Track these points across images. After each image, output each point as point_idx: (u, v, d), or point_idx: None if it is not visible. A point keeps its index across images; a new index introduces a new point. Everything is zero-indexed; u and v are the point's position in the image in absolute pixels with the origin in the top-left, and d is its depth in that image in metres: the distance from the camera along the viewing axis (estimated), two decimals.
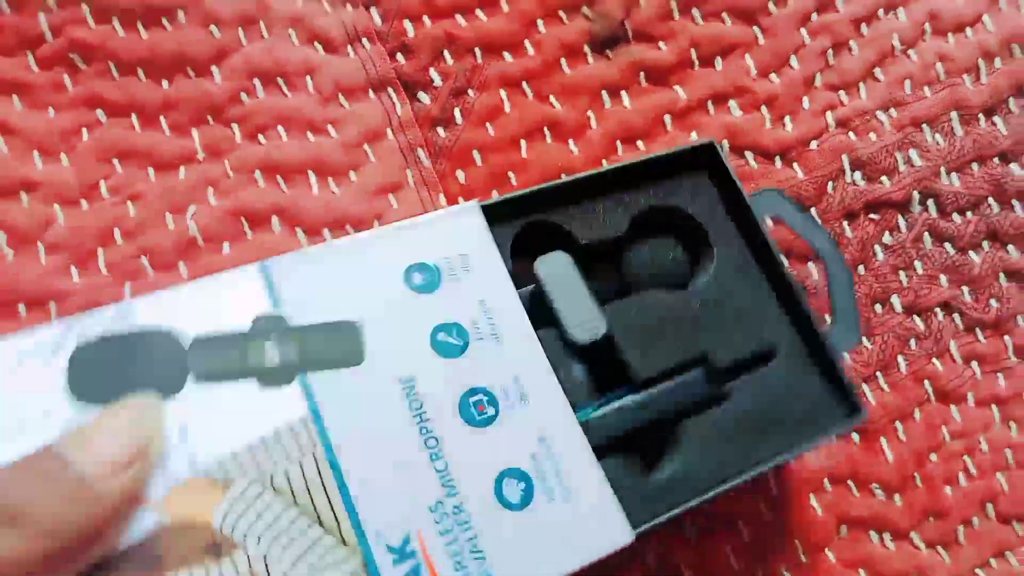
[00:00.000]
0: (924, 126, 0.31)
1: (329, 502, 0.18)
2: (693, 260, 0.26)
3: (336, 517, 0.18)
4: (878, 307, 0.30)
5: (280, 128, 0.28)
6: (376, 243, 0.22)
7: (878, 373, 0.29)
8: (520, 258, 0.24)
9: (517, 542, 0.19)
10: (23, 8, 0.27)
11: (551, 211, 0.24)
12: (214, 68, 0.28)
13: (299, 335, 0.20)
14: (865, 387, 0.29)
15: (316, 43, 0.29)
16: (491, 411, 0.20)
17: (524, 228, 0.24)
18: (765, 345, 0.25)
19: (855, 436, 0.29)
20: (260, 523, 0.18)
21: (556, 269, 0.23)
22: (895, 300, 0.30)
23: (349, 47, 0.29)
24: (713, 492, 0.22)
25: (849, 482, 0.28)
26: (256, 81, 0.28)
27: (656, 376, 0.24)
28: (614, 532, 0.20)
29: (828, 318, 0.29)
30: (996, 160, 0.32)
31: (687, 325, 0.24)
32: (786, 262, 0.26)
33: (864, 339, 0.30)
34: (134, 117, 0.27)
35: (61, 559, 0.15)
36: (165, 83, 0.28)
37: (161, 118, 0.28)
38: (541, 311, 0.23)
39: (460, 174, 0.29)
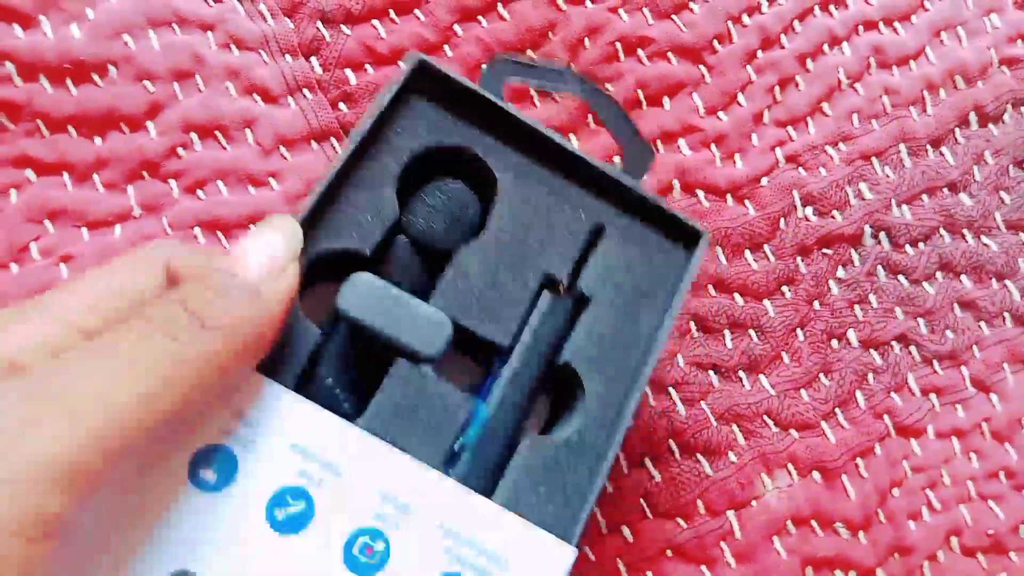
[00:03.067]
0: (873, 159, 0.32)
1: None
2: (482, 192, 0.24)
3: None
4: (835, 343, 0.30)
5: (219, 182, 0.27)
6: None
7: (837, 409, 0.29)
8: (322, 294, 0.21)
9: None
10: None
11: (333, 239, 0.21)
12: (149, 123, 0.27)
13: None
14: (824, 424, 0.29)
15: (255, 95, 0.28)
16: (380, 545, 0.19)
17: (309, 271, 0.21)
18: (590, 229, 0.24)
19: (816, 475, 0.28)
20: None
21: (362, 296, 0.20)
22: (851, 334, 0.30)
23: (289, 98, 0.28)
24: (634, 400, 0.22)
25: (812, 522, 0.28)
26: (193, 135, 0.27)
27: (518, 330, 0.22)
28: (556, 558, 0.19)
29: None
30: (945, 191, 0.32)
31: (514, 263, 0.23)
32: (555, 135, 0.23)
33: (822, 376, 0.29)
34: (66, 176, 0.27)
35: (243, 357, 0.17)
36: (98, 140, 0.27)
37: (94, 176, 0.27)
38: (371, 347, 0.20)
39: None
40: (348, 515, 0.18)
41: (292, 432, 0.19)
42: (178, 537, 0.17)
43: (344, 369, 0.21)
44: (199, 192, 0.27)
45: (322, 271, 0.21)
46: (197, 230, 0.27)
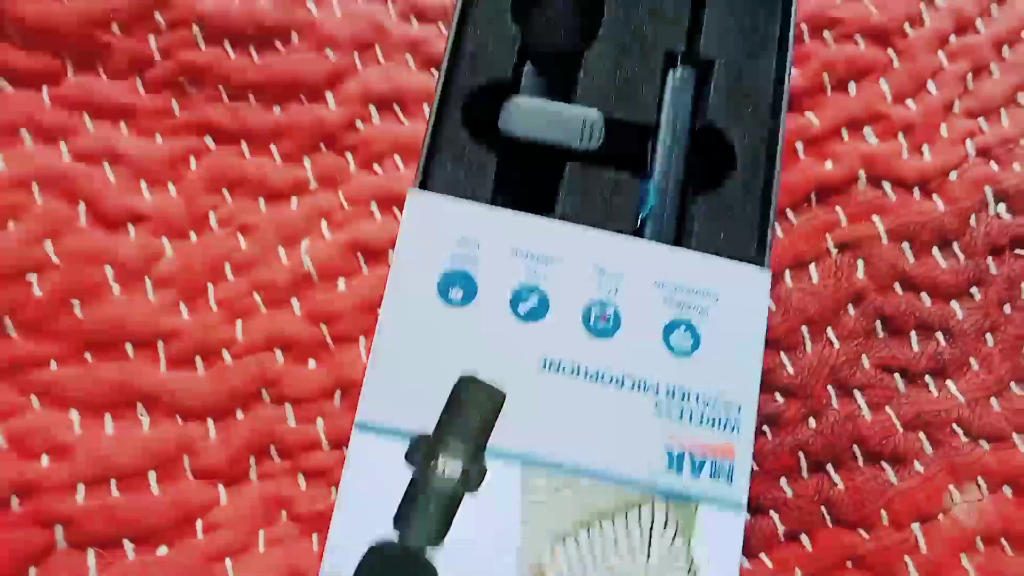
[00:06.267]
0: None
1: None
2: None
3: None
4: None
5: (397, 157, 0.26)
6: None
7: None
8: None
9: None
10: (134, 30, 0.26)
11: (478, 75, 0.24)
12: (328, 93, 0.26)
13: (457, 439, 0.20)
14: (1016, 437, 0.27)
15: (433, 69, 0.27)
16: (610, 311, 0.22)
17: (465, 109, 0.23)
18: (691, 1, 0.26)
19: (1008, 490, 0.26)
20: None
21: (520, 115, 0.23)
22: None
23: None
24: (781, 136, 0.23)
25: (1003, 540, 0.26)
26: (372, 107, 0.27)
27: (658, 108, 0.24)
28: (756, 281, 0.22)
29: None
30: None
31: (634, 50, 0.25)
32: None
33: (1014, 385, 0.27)
34: (244, 144, 0.26)
35: None
36: (276, 109, 0.26)
37: (272, 146, 0.26)
38: (540, 157, 0.23)
39: None
40: (576, 294, 0.21)
41: (507, 239, 0.22)
42: (448, 347, 0.21)
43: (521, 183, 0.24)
44: (375, 166, 0.26)
45: (475, 107, 0.24)
46: (374, 205, 0.26)
